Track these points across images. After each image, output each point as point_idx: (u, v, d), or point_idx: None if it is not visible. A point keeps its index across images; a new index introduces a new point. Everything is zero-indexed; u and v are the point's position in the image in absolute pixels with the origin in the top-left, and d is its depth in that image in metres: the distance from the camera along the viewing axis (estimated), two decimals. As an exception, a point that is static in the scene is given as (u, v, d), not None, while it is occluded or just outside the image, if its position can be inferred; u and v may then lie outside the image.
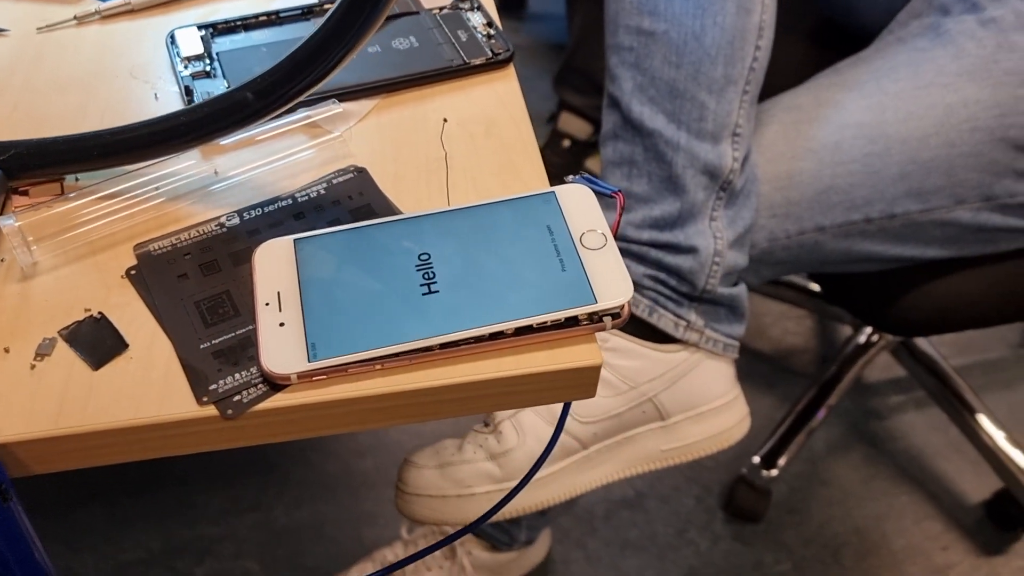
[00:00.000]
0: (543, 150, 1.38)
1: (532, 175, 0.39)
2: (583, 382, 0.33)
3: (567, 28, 1.36)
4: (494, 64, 0.44)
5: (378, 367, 0.31)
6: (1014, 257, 0.77)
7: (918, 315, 0.79)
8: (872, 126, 0.69)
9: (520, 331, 0.32)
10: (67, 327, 0.33)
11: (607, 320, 0.33)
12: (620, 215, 0.36)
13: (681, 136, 0.64)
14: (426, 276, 0.33)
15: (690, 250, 0.65)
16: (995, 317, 0.81)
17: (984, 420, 1.11)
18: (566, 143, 1.38)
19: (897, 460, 1.17)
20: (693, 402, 0.70)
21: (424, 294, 0.33)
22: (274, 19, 0.46)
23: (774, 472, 1.06)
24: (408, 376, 0.32)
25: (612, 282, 0.33)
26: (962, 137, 0.68)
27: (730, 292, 0.68)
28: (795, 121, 0.71)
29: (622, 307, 0.33)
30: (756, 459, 1.07)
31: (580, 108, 1.36)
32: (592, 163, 1.41)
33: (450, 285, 0.33)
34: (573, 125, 1.37)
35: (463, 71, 0.43)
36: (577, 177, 0.37)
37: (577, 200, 0.36)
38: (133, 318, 0.33)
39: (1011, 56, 0.68)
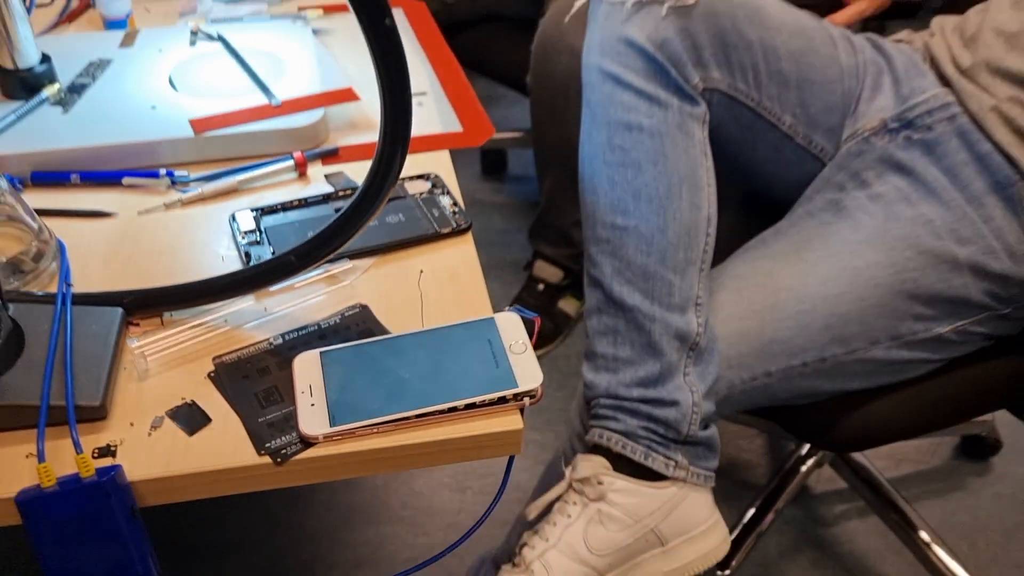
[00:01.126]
0: (520, 293, 1.58)
1: (481, 306, 0.57)
2: (511, 441, 0.50)
3: (539, 189, 1.58)
4: (458, 232, 0.63)
5: (376, 431, 0.48)
6: (918, 382, 0.93)
7: (846, 434, 0.93)
8: (799, 288, 0.85)
9: (468, 407, 0.49)
10: (171, 409, 0.50)
11: (526, 400, 0.50)
12: (536, 333, 0.53)
13: (656, 310, 0.80)
14: (406, 372, 0.51)
15: (673, 403, 0.79)
16: (906, 432, 0.97)
17: (919, 528, 1.24)
18: (540, 287, 1.58)
19: (843, 563, 1.30)
20: (686, 527, 0.82)
21: (405, 383, 0.50)
22: (303, 203, 0.65)
23: (727, 572, 1.19)
24: (396, 436, 0.48)
25: (529, 375, 0.50)
26: (869, 292, 0.84)
27: (706, 434, 0.81)
28: (738, 288, 0.87)
29: (536, 390, 0.50)
30: (711, 561, 1.19)
31: (552, 257, 1.57)
32: (564, 303, 1.60)
33: (421, 377, 0.50)
34: (546, 271, 1.58)
35: (436, 237, 0.62)
36: (510, 308, 0.55)
37: (508, 322, 0.54)
38: (214, 404, 0.50)
39: (897, 224, 0.86)
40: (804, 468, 1.33)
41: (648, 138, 0.83)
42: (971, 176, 0.88)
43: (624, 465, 0.80)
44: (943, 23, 0.97)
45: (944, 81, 0.93)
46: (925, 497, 1.40)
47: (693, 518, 0.82)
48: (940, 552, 1.22)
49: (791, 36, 0.92)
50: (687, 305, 0.81)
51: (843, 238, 0.87)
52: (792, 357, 0.84)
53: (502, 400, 0.50)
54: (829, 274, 0.85)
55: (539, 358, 1.59)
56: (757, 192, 1.08)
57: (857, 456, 1.34)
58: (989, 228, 0.86)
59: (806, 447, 1.35)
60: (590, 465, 0.80)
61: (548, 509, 0.82)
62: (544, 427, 1.50)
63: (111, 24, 0.85)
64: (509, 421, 0.50)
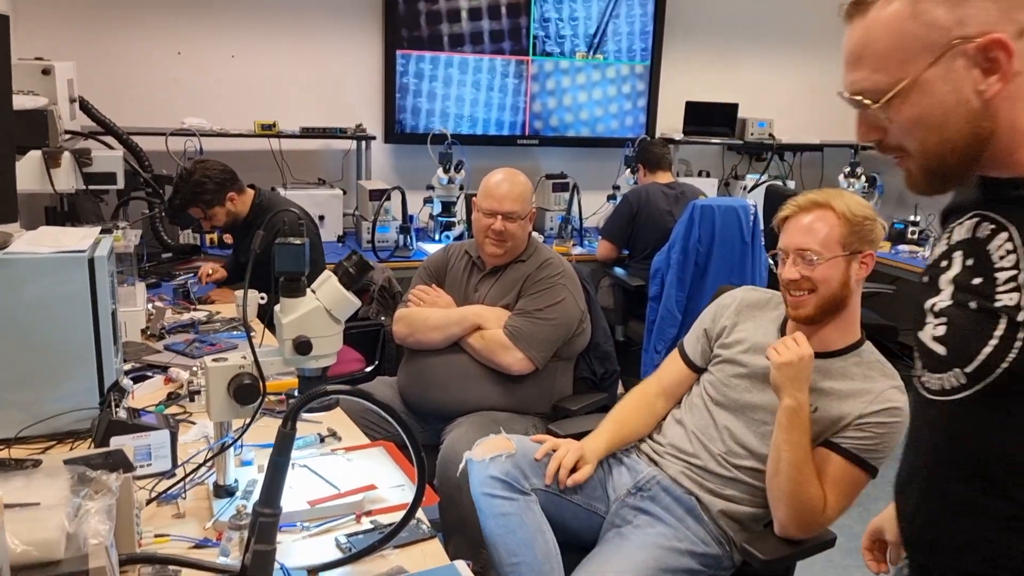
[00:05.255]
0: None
1: (444, 562, 1.42)
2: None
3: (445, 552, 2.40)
4: (431, 537, 1.49)
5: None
6: None
7: None
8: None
9: (448, 591, 1.32)
10: (335, 602, 1.30)
11: None
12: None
13: None
14: (424, 582, 1.34)
15: None
16: None
17: None
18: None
19: None
20: None
21: (424, 586, 1.33)
22: (366, 532, 1.50)
23: None
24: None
25: (470, 579, 1.35)
26: (646, 573, 1.72)
27: None
28: None
29: None
30: None
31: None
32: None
33: (430, 583, 1.34)
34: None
35: (423, 540, 1.48)
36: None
37: (461, 565, 1.38)
38: (350, 600, 1.31)
39: (648, 537, 1.80)
40: None
41: (513, 517, 1.77)
42: (674, 507, 1.84)
43: None
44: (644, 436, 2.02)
45: (650, 463, 1.93)
46: None
47: None
48: None
49: None
50: None
51: (627, 550, 1.80)
52: None
53: (461, 588, 1.33)
54: (627, 567, 1.75)
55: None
56: (574, 538, 1.98)
57: None
58: (690, 532, 1.80)
59: None
60: None
61: None
62: None
63: (245, 463, 1.74)
64: (464, 596, 1.33)
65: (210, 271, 3.39)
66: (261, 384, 1.51)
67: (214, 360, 1.52)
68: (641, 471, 1.93)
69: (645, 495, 1.88)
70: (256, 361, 1.49)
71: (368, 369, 3.44)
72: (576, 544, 1.94)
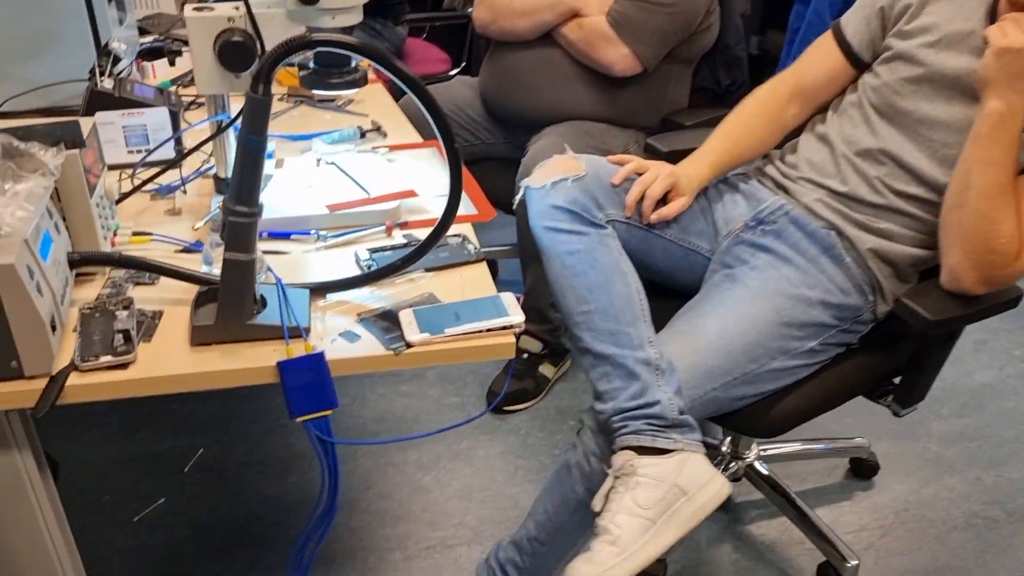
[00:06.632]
0: (509, 361, 2.07)
1: (490, 292, 1.07)
2: (508, 349, 0.99)
3: (523, 282, 2.10)
4: (478, 261, 1.14)
5: (443, 340, 0.98)
6: (805, 383, 1.37)
7: (769, 424, 1.37)
8: (721, 330, 1.31)
9: (488, 330, 0.99)
10: (340, 332, 0.99)
11: (516, 328, 1.00)
12: (523, 300, 1.03)
13: (625, 352, 1.25)
14: (459, 313, 1.01)
15: (656, 403, 1.21)
16: (802, 417, 1.38)
17: (817, 525, 1.68)
18: (525, 356, 2.08)
19: (755, 549, 1.74)
20: (695, 480, 1.19)
21: (459, 318, 1.00)
22: (393, 248, 1.16)
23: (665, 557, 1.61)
24: (453, 343, 0.98)
25: (517, 316, 1.00)
26: (763, 326, 1.31)
27: (684, 418, 1.23)
28: (684, 337, 1.32)
29: (521, 323, 1.00)
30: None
31: (533, 332, 2.08)
32: (543, 368, 2.11)
33: (467, 316, 1.00)
34: (529, 343, 2.09)
35: (466, 263, 1.13)
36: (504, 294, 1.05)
37: (507, 297, 1.04)
38: (363, 333, 1.00)
39: (769, 282, 1.35)
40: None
41: (583, 255, 1.33)
42: (806, 246, 1.40)
43: (642, 451, 1.21)
44: (770, 155, 1.55)
45: (776, 190, 1.48)
46: (821, 504, 1.86)
47: (698, 473, 1.22)
48: (826, 531, 1.67)
49: None
50: (643, 344, 1.28)
51: (740, 296, 1.37)
52: (726, 375, 1.30)
53: (505, 328, 0.99)
54: (737, 318, 1.34)
55: (523, 411, 2.22)
56: (662, 282, 1.55)
57: (770, 473, 1.80)
58: (825, 276, 1.38)
59: (721, 468, 1.80)
60: (621, 459, 1.22)
61: (605, 499, 1.22)
62: (531, 457, 1.96)
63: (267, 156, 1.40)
64: (507, 341, 0.99)
65: None
66: (258, 43, 1.11)
67: (196, 8, 1.13)
68: (764, 200, 1.48)
69: (768, 229, 1.44)
70: (249, 11, 1.08)
71: (453, 72, 3.00)
72: (672, 289, 1.54)
